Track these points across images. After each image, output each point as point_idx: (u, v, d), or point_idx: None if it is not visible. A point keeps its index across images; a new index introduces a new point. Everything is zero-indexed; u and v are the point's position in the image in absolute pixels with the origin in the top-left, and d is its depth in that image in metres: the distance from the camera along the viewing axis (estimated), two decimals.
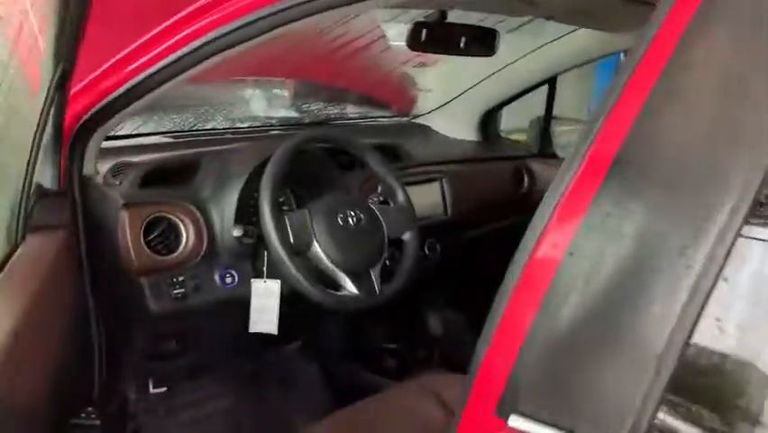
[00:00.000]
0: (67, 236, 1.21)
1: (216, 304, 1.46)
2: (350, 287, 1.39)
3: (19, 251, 1.01)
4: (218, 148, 1.56)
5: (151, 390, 1.56)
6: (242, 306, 1.48)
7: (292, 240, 1.34)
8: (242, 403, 2.02)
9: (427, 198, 1.91)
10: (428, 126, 2.45)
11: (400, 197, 1.57)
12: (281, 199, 1.67)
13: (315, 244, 1.38)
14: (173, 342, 1.55)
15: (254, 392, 2.04)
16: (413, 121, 2.50)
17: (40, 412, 0.99)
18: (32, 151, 1.00)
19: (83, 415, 1.31)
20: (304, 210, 1.41)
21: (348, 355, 1.93)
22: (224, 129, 2.00)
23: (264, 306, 1.48)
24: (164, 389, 1.63)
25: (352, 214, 1.44)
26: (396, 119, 2.53)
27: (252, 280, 1.47)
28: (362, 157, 1.55)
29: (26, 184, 1.00)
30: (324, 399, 1.92)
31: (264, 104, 2.31)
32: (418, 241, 1.56)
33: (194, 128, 1.95)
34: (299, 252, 1.36)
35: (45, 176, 1.38)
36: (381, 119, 2.51)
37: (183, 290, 1.40)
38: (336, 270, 1.39)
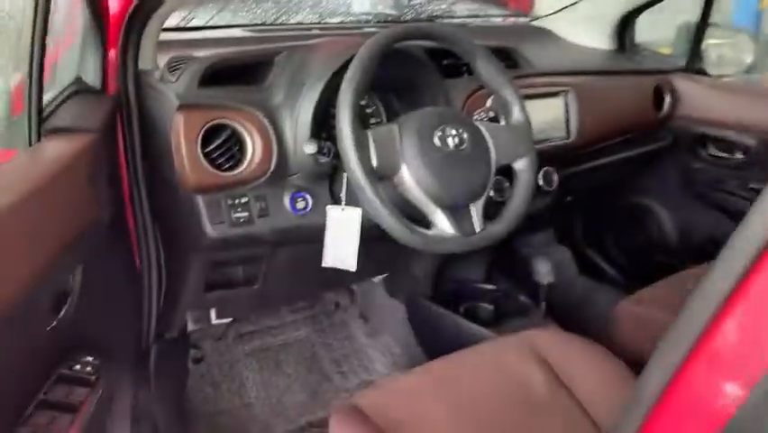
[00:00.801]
0: (95, 141, 1.00)
1: (286, 232, 1.23)
2: (443, 224, 1.11)
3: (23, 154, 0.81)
4: (296, 44, 1.28)
5: (213, 320, 1.38)
6: (316, 235, 1.25)
7: (375, 162, 1.07)
8: (318, 334, 1.84)
9: (546, 115, 1.57)
10: (550, 30, 2.05)
11: (516, 113, 1.25)
12: (368, 110, 1.39)
13: (404, 168, 1.10)
14: (239, 270, 1.35)
15: (332, 325, 1.86)
16: (532, 23, 2.11)
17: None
18: (34, 29, 0.76)
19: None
20: (392, 125, 1.12)
21: (439, 295, 1.69)
22: (310, 24, 1.72)
23: (341, 237, 1.24)
24: (229, 320, 1.45)
25: (453, 132, 1.14)
26: (512, 20, 2.14)
27: (328, 207, 1.22)
28: (472, 60, 1.22)
29: (32, 76, 0.78)
30: (408, 341, 1.70)
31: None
32: (534, 170, 1.24)
33: (275, 22, 1.68)
34: (383, 176, 1.09)
35: (87, 70, 1.17)
36: (495, 18, 2.13)
37: (246, 213, 1.18)
38: (428, 202, 1.11)
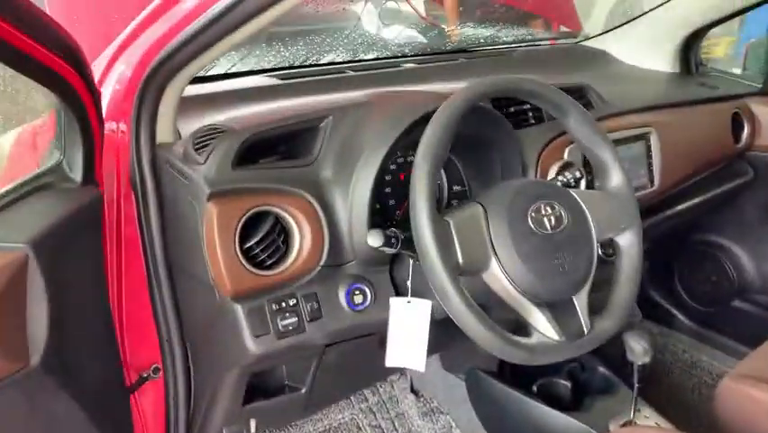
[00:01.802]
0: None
1: (342, 332, 1.01)
2: (545, 328, 0.89)
3: None
4: (342, 101, 1.06)
5: (253, 431, 1.16)
6: (376, 329, 1.04)
7: (461, 258, 0.85)
8: (365, 414, 1.62)
9: (627, 162, 1.35)
10: (605, 52, 1.83)
11: (617, 176, 1.02)
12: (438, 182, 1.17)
13: (493, 261, 0.88)
14: (282, 372, 1.13)
15: (380, 403, 1.64)
16: (583, 44, 1.89)
17: None
18: None
19: None
20: (475, 207, 0.91)
21: (505, 369, 1.46)
22: (342, 64, 1.50)
23: (408, 334, 1.02)
24: (269, 430, 1.23)
25: (549, 210, 0.92)
26: (560, 42, 1.92)
27: (392, 299, 1.00)
28: (563, 117, 1.00)
29: None
30: (470, 424, 1.48)
31: (394, 28, 1.77)
32: (641, 244, 1.02)
33: (304, 64, 1.46)
34: (468, 273, 0.87)
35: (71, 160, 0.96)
36: (542, 42, 1.90)
37: (295, 319, 0.95)
38: (525, 301, 0.89)
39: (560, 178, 1.11)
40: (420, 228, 0.83)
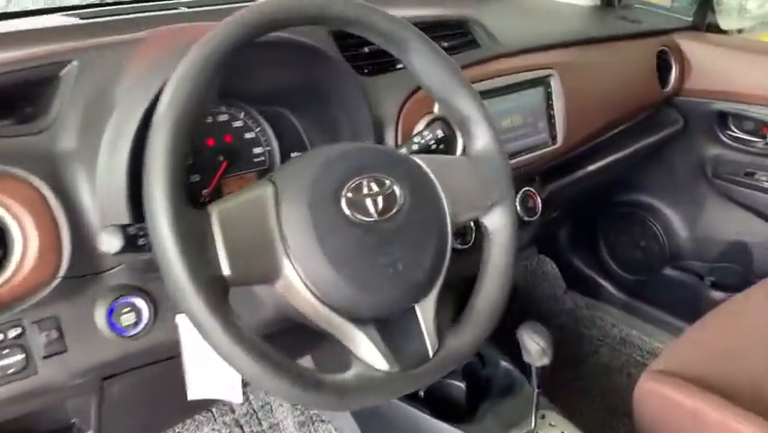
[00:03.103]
0: None
1: (108, 366, 0.73)
2: (368, 354, 0.63)
3: None
4: (101, 41, 0.75)
5: None
6: (167, 352, 0.76)
7: (226, 265, 0.57)
8: (232, 430, 1.35)
9: (521, 114, 1.08)
10: None
11: (483, 135, 0.75)
12: (247, 137, 0.88)
13: (288, 266, 0.60)
14: (67, 413, 0.85)
15: (250, 413, 1.37)
16: None
17: None
18: None
19: None
20: (262, 188, 0.62)
21: None
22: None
23: (211, 358, 0.74)
24: None
25: (375, 188, 0.64)
26: None
27: (179, 315, 0.72)
28: (403, 54, 0.72)
29: None
30: None
31: None
32: (515, 225, 0.76)
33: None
34: (248, 283, 0.60)
35: None
36: None
37: (21, 356, 0.66)
38: (341, 321, 0.62)
39: (416, 139, 0.84)
40: (155, 224, 0.54)
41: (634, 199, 1.66)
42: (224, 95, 0.85)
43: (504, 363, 1.23)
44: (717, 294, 1.55)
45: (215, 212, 0.58)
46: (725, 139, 1.46)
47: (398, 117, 0.91)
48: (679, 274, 1.63)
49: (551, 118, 1.09)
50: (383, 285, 0.63)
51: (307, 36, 0.80)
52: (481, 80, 1.01)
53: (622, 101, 1.29)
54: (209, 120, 0.84)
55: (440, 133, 0.83)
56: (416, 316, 0.67)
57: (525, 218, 1.10)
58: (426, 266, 0.66)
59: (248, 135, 0.88)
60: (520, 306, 1.87)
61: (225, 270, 0.56)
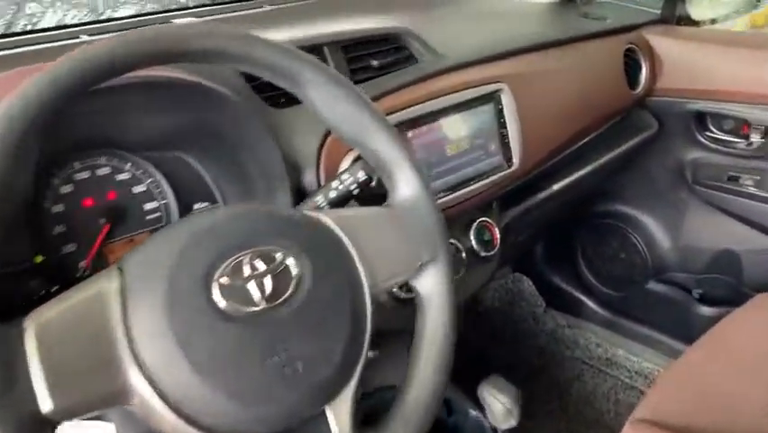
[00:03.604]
0: None
1: None
2: None
3: None
4: None
5: None
6: None
7: (45, 396, 0.42)
8: None
9: (467, 138, 0.94)
10: None
11: (405, 181, 0.62)
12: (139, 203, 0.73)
13: (140, 382, 0.46)
14: None
15: None
16: None
17: None
18: None
19: None
20: (110, 276, 0.48)
21: None
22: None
23: None
24: None
25: (261, 265, 0.50)
26: None
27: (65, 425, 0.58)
28: (298, 89, 0.58)
29: None
30: None
31: None
32: (451, 287, 0.62)
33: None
34: (82, 413, 0.46)
35: None
36: None
37: None
38: None
39: (333, 185, 0.70)
40: None
41: (610, 210, 1.53)
42: (103, 144, 0.71)
43: (474, 412, 1.10)
44: (706, 309, 1.43)
45: (33, 325, 0.44)
46: (704, 141, 1.33)
47: (319, 155, 0.77)
48: (664, 288, 1.50)
49: (504, 138, 0.96)
50: (276, 393, 0.49)
51: (196, 72, 0.66)
52: (420, 102, 0.87)
53: (587, 109, 1.16)
54: (85, 176, 0.70)
55: (361, 176, 0.69)
56: (327, 421, 0.53)
57: (483, 253, 0.97)
58: (336, 359, 0.52)
59: (137, 189, 0.74)
60: (496, 328, 1.74)
61: (46, 404, 0.42)
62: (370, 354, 0.79)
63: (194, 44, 0.51)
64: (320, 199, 0.68)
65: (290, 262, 0.52)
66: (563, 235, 1.64)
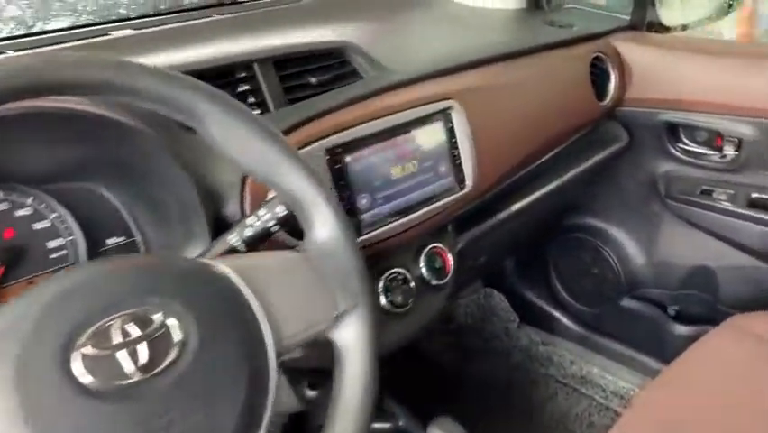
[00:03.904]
0: None
1: None
2: None
3: None
4: None
5: None
6: None
7: None
8: None
9: (414, 161, 0.88)
10: None
11: (320, 221, 0.56)
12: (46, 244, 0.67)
13: None
14: None
15: None
16: None
17: None
18: None
19: None
20: None
21: None
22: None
23: None
24: None
25: (134, 329, 0.44)
26: None
27: None
28: (196, 123, 0.52)
29: None
30: None
31: None
32: (374, 339, 0.56)
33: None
34: None
35: None
36: None
37: None
38: None
39: (249, 222, 0.63)
40: None
41: (581, 223, 1.48)
42: (0, 177, 0.65)
43: None
44: (681, 327, 1.37)
45: None
46: (676, 153, 1.27)
47: (244, 183, 0.71)
48: (639, 304, 1.44)
49: (455, 159, 0.90)
50: None
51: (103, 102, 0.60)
52: (362, 122, 0.81)
53: (551, 123, 1.10)
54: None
55: (280, 211, 0.62)
56: None
57: (434, 282, 0.91)
58: (229, 430, 0.46)
59: (39, 225, 0.67)
60: (468, 345, 1.68)
61: None
62: (312, 393, 0.72)
63: (69, 76, 0.45)
64: (233, 238, 0.62)
65: (171, 323, 0.45)
66: (534, 249, 1.58)
